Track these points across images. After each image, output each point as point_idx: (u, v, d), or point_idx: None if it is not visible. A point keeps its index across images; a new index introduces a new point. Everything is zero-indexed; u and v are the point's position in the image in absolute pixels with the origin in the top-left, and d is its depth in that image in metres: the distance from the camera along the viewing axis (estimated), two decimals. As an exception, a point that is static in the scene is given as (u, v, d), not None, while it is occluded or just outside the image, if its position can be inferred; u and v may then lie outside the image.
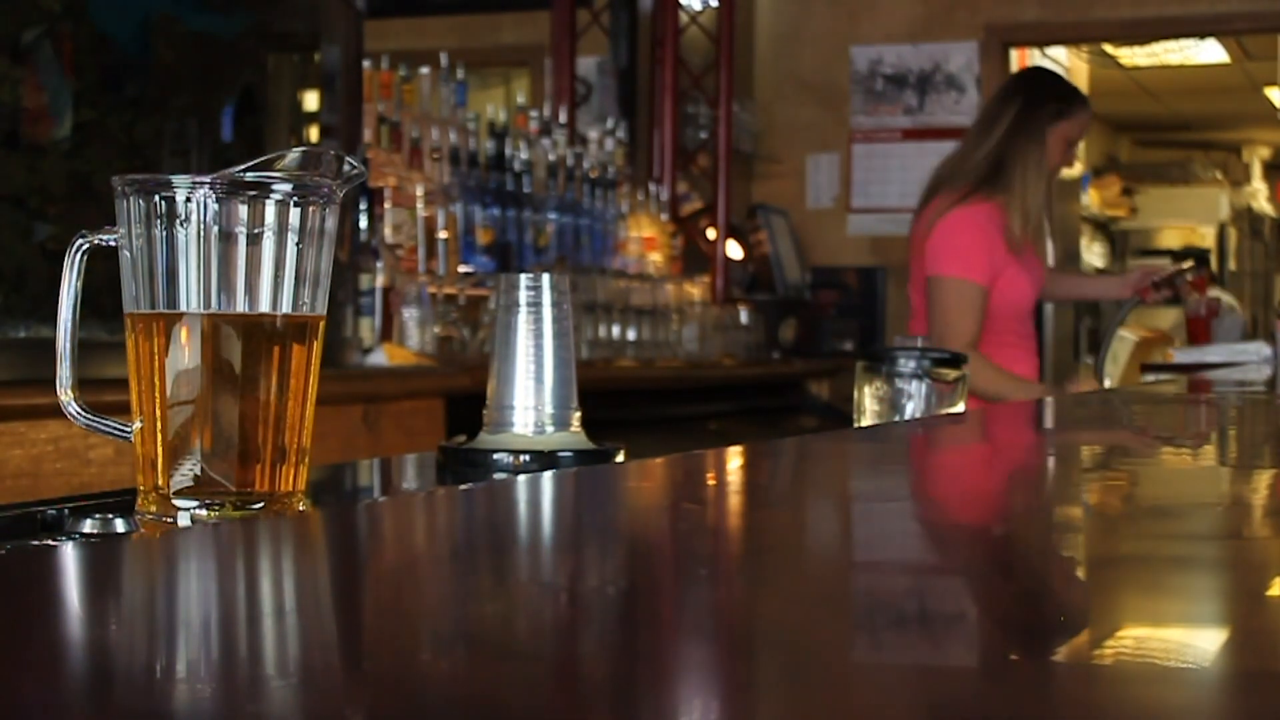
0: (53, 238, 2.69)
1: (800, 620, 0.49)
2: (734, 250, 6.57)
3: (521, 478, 0.99)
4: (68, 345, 0.94)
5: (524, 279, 1.20)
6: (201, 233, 0.89)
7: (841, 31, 7.44)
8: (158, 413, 0.91)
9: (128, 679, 0.41)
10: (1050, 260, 4.18)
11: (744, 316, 6.12)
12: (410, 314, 4.17)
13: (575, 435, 1.21)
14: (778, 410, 5.98)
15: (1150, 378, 4.00)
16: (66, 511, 0.96)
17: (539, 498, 0.80)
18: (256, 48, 3.24)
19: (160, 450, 0.90)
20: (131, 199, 0.90)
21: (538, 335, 1.20)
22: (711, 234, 6.39)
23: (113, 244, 0.92)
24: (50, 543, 0.92)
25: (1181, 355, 4.34)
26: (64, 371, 0.94)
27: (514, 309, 1.20)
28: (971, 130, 4.03)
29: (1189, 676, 0.42)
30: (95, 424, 0.94)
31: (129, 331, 0.92)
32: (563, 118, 5.74)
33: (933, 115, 7.34)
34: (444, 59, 4.87)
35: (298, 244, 0.91)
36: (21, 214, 2.68)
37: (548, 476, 0.98)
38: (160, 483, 0.90)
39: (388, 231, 4.27)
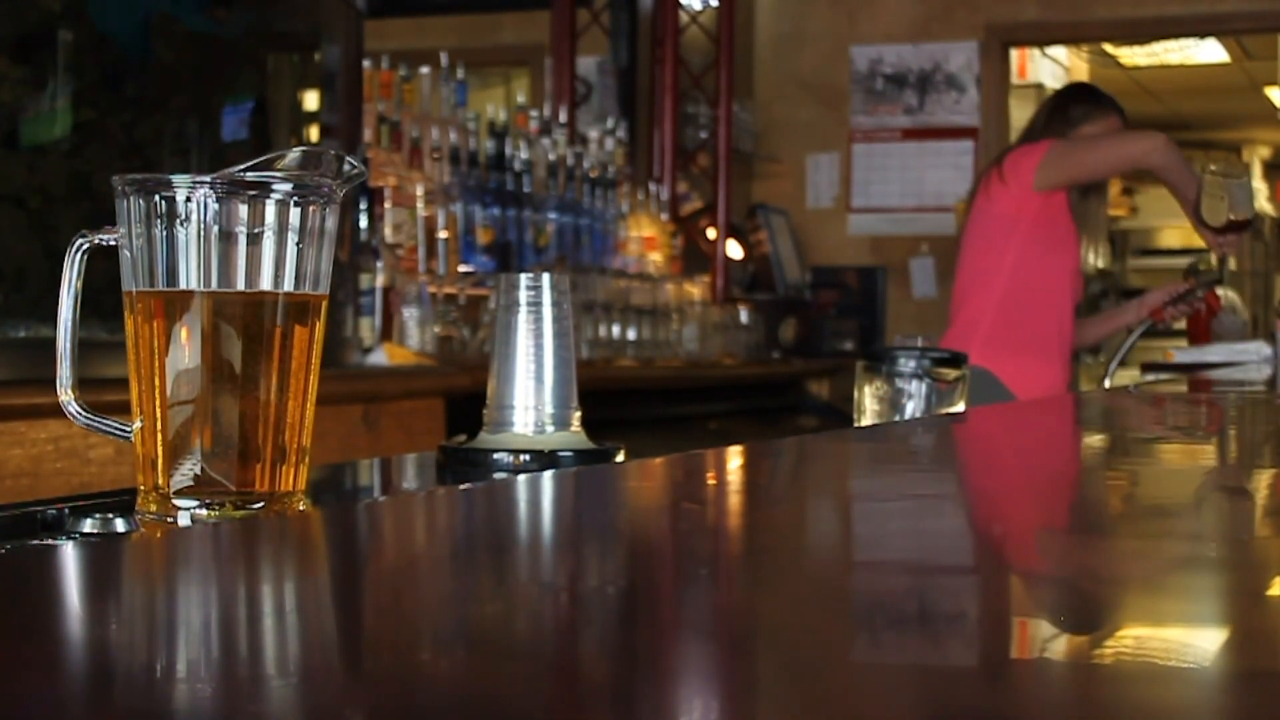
0: (53, 237, 2.69)
1: (800, 620, 0.49)
2: (734, 250, 6.57)
3: (521, 478, 0.99)
4: (68, 345, 0.94)
5: (524, 279, 1.20)
6: (201, 232, 0.89)
7: (841, 31, 7.44)
8: (158, 412, 0.91)
9: (128, 679, 0.41)
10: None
11: (744, 316, 6.12)
12: (410, 314, 4.17)
13: (575, 435, 1.21)
14: (778, 410, 5.98)
15: (1150, 377, 4.00)
16: (66, 511, 0.96)
17: (539, 498, 0.80)
18: (256, 47, 3.24)
19: (160, 450, 0.90)
20: (131, 199, 0.90)
21: (538, 335, 1.20)
22: (711, 234, 6.39)
23: (113, 244, 0.92)
24: (50, 543, 0.92)
25: (1181, 355, 4.34)
26: (64, 371, 0.94)
27: (514, 309, 1.20)
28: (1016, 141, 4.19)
29: (1189, 676, 0.42)
30: (95, 424, 0.94)
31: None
32: (563, 117, 5.74)
33: (933, 115, 7.34)
34: (444, 59, 4.87)
35: (298, 244, 0.91)
36: (21, 214, 2.68)
37: (548, 476, 0.98)
38: (160, 482, 0.90)
39: (388, 231, 4.27)
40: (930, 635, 0.48)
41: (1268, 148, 13.65)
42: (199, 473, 0.90)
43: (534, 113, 5.30)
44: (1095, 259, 4.16)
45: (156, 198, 0.89)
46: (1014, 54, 7.59)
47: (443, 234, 4.52)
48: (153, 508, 0.91)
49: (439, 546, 0.67)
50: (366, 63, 3.99)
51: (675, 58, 6.27)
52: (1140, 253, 13.05)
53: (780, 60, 7.56)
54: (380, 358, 3.72)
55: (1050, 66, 9.08)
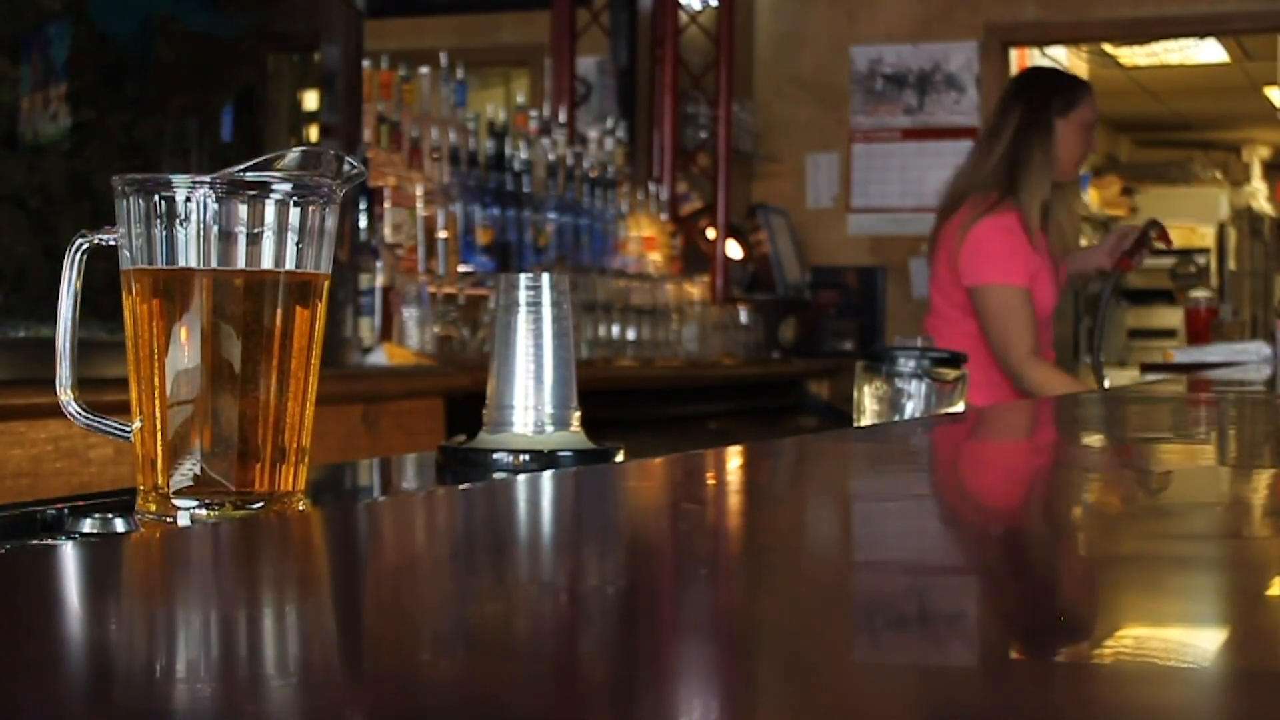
0: (53, 237, 2.69)
1: (800, 620, 0.49)
2: (734, 250, 6.57)
3: (521, 478, 0.99)
4: (68, 345, 0.94)
5: (524, 279, 1.20)
6: (201, 232, 0.89)
7: (841, 31, 7.44)
8: (157, 412, 0.91)
9: (128, 679, 0.41)
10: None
11: (744, 316, 6.12)
12: (410, 314, 4.17)
13: (575, 435, 1.21)
14: (778, 410, 5.98)
15: (1150, 377, 4.00)
16: (66, 511, 0.96)
17: (539, 498, 0.80)
18: (256, 48, 3.24)
19: (160, 450, 0.90)
20: (131, 199, 0.90)
21: (538, 335, 1.20)
22: (711, 234, 6.39)
23: (113, 244, 0.92)
24: (50, 543, 0.92)
25: (1181, 355, 4.34)
26: (64, 371, 0.94)
27: (514, 309, 1.20)
28: (980, 139, 4.09)
29: (1189, 676, 0.42)
30: (95, 424, 0.94)
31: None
32: (562, 117, 5.74)
33: (932, 115, 7.34)
34: (444, 59, 4.87)
35: (298, 244, 0.91)
36: (21, 214, 2.68)
37: (547, 476, 0.98)
38: (160, 482, 0.90)
39: (388, 231, 4.27)
40: (930, 635, 0.48)
41: (1267, 148, 13.65)
42: (199, 473, 0.90)
43: (533, 113, 5.30)
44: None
45: (156, 198, 0.89)
46: (1014, 54, 7.59)
47: (442, 234, 4.52)
48: (152, 508, 0.91)
49: (439, 547, 0.67)
50: (366, 63, 3.99)
51: (675, 58, 6.27)
52: (1140, 253, 13.03)
53: (780, 60, 7.56)
54: (380, 358, 3.72)
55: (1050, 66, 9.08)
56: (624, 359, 5.06)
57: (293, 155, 0.93)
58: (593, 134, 5.73)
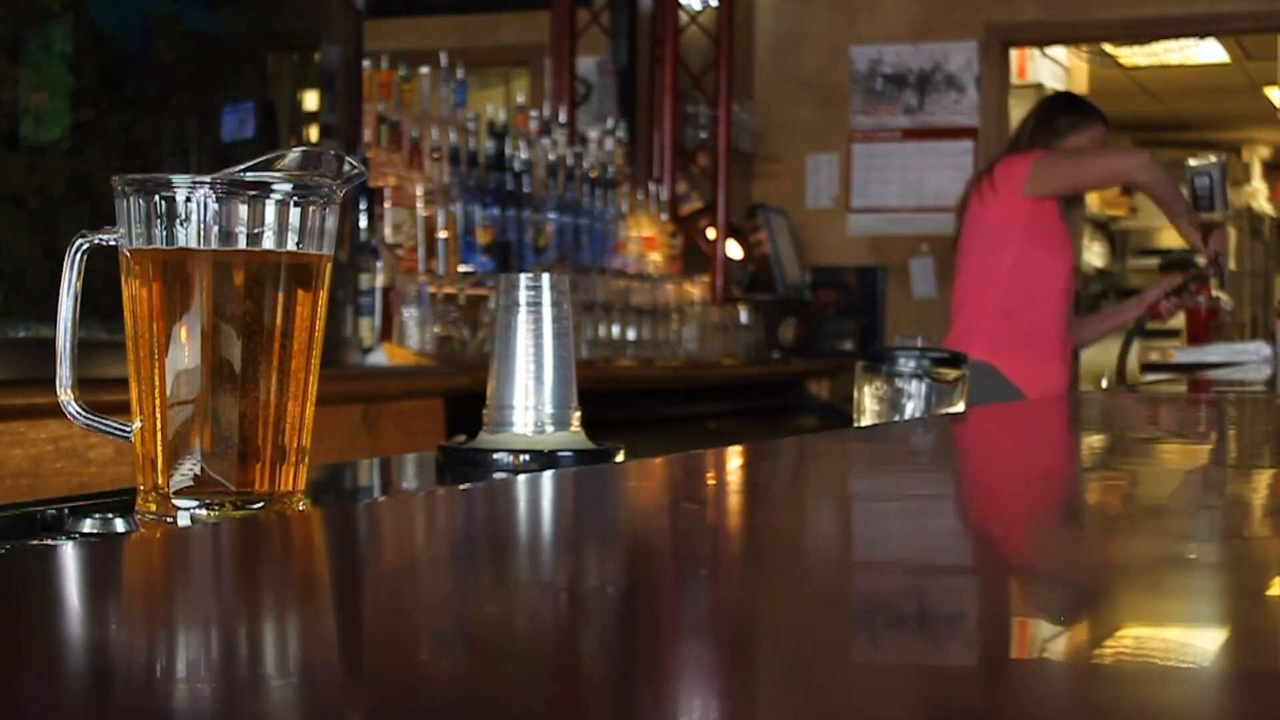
0: (53, 237, 2.69)
1: (799, 620, 0.49)
2: (734, 250, 6.57)
3: (521, 478, 0.99)
4: (68, 345, 0.94)
5: (524, 279, 1.20)
6: (201, 232, 0.89)
7: (841, 31, 7.44)
8: (157, 412, 0.91)
9: (128, 679, 0.41)
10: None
11: (744, 316, 6.12)
12: (410, 314, 4.17)
13: (575, 435, 1.21)
14: (778, 410, 5.98)
15: (1150, 377, 4.01)
16: (66, 511, 0.96)
17: (539, 498, 0.80)
18: (256, 48, 3.24)
19: (160, 450, 0.90)
20: (131, 199, 0.90)
21: (538, 335, 1.20)
22: (711, 234, 6.39)
23: (113, 244, 0.92)
24: (50, 543, 0.92)
25: (1181, 355, 4.34)
26: (64, 371, 0.94)
27: (514, 309, 1.20)
28: (1003, 149, 4.33)
29: (1189, 676, 0.42)
30: (95, 424, 0.94)
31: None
32: (562, 117, 5.74)
33: (932, 115, 7.34)
34: (444, 59, 4.87)
35: (298, 244, 0.91)
36: (21, 214, 2.68)
37: (548, 476, 0.98)
38: (160, 482, 0.90)
39: (388, 231, 4.27)
40: (930, 635, 0.48)
41: (1267, 148, 13.66)
42: (199, 473, 0.90)
43: (534, 113, 5.30)
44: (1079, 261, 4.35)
45: (156, 198, 0.89)
46: (1014, 54, 7.59)
47: (442, 234, 4.52)
48: (152, 508, 0.91)
49: (439, 547, 0.67)
50: (366, 63, 3.99)
51: (675, 58, 6.27)
52: (1140, 253, 13.06)
53: (780, 60, 7.56)
54: (380, 358, 3.72)
55: (1050, 67, 9.09)
56: (624, 359, 5.06)
57: (293, 155, 0.93)
58: (593, 134, 5.73)
